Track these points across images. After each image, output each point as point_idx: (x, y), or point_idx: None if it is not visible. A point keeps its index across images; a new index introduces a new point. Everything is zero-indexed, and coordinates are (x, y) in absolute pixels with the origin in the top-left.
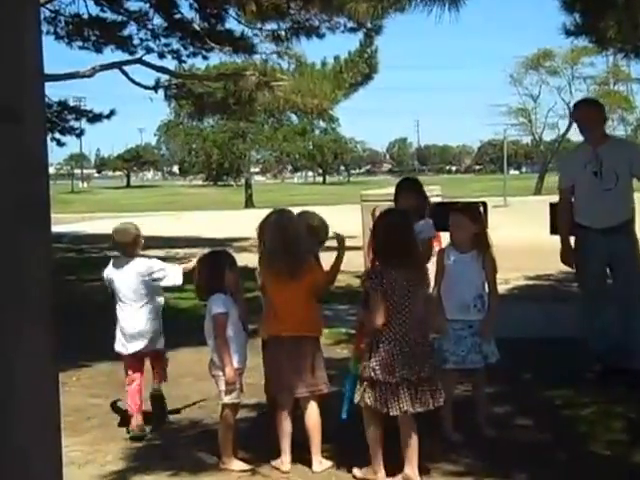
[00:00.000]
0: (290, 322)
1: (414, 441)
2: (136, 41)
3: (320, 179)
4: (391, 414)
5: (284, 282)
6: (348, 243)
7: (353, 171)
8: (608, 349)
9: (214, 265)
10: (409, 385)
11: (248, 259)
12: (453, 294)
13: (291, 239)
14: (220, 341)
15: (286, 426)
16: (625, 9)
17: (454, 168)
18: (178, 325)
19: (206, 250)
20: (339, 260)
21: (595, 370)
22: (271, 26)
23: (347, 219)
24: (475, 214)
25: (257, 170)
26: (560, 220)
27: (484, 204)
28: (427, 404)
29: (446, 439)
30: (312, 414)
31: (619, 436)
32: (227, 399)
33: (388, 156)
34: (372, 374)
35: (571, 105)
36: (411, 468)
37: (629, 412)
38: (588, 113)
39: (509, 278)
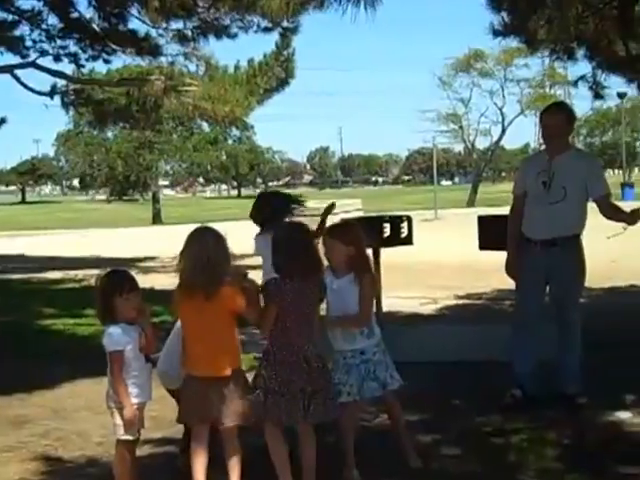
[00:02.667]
0: (204, 360)
1: (312, 452)
2: (29, 43)
3: (235, 192)
4: (285, 424)
5: (198, 305)
6: None
7: (271, 183)
8: (531, 374)
9: (104, 290)
10: (304, 396)
11: (156, 280)
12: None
13: (210, 256)
14: (115, 379)
15: (202, 460)
16: (556, 7)
17: (381, 179)
18: (76, 353)
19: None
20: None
21: (514, 395)
22: (177, 25)
23: None
24: (348, 235)
25: (166, 183)
26: (509, 228)
27: (408, 218)
28: (321, 416)
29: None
30: (233, 446)
31: (552, 464)
32: (123, 435)
33: (309, 167)
34: (267, 383)
35: (504, 110)
36: None
37: (562, 438)
38: (553, 119)
39: (438, 297)
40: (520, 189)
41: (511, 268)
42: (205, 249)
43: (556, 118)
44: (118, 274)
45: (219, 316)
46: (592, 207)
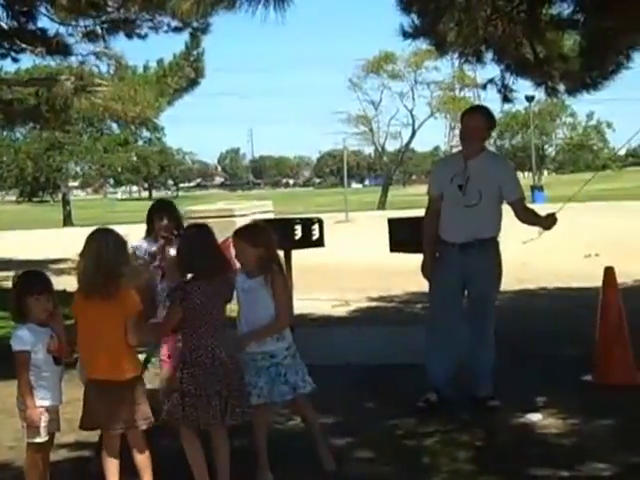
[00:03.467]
0: (98, 362)
1: (226, 455)
2: None
3: (146, 194)
4: (201, 427)
5: (95, 307)
6: None
7: (182, 185)
8: (446, 378)
9: (16, 289)
10: (220, 398)
11: (67, 282)
12: (246, 325)
13: (106, 258)
14: (21, 380)
15: (114, 465)
16: (465, 10)
17: (292, 181)
18: None
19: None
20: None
21: (428, 400)
22: (86, 22)
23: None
24: (257, 237)
25: (76, 184)
26: (425, 229)
27: (319, 220)
28: (237, 418)
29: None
30: (139, 450)
31: (464, 466)
32: (30, 438)
33: (220, 168)
34: (184, 386)
35: (414, 112)
36: None
37: (475, 440)
38: (472, 121)
39: (350, 299)
40: (436, 190)
41: (427, 270)
42: (103, 251)
43: (476, 120)
44: (31, 274)
45: (116, 319)
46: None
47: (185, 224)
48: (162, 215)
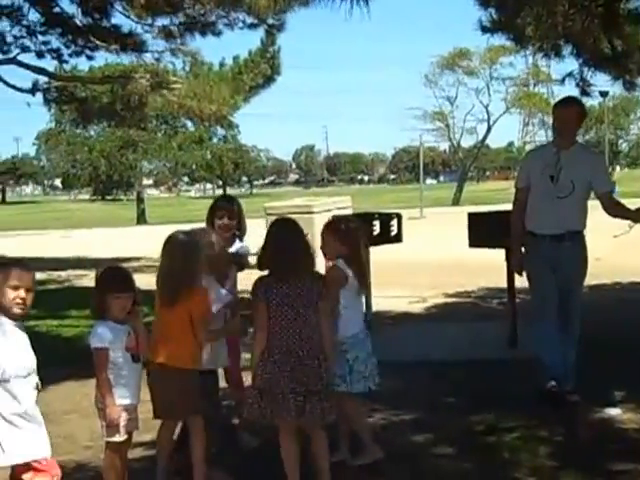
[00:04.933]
0: (162, 350)
1: (325, 453)
2: (9, 39)
3: (220, 192)
4: (276, 423)
5: (163, 306)
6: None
7: (256, 182)
8: (562, 368)
9: (97, 286)
10: (297, 397)
11: (140, 281)
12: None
13: (177, 269)
14: (100, 378)
15: (169, 449)
16: (544, 4)
17: (366, 178)
18: (61, 355)
19: (93, 272)
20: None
21: (551, 387)
22: (163, 21)
23: (251, 234)
24: (341, 233)
25: (150, 183)
26: (513, 221)
27: (398, 216)
28: (315, 418)
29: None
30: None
31: (545, 461)
32: (109, 437)
33: (294, 165)
34: (262, 384)
35: (490, 108)
36: None
37: (555, 435)
38: (565, 114)
39: (427, 296)
40: (524, 183)
41: (516, 262)
42: (175, 260)
43: (571, 111)
44: (112, 271)
45: (176, 316)
46: None
47: (268, 220)
48: (223, 213)
